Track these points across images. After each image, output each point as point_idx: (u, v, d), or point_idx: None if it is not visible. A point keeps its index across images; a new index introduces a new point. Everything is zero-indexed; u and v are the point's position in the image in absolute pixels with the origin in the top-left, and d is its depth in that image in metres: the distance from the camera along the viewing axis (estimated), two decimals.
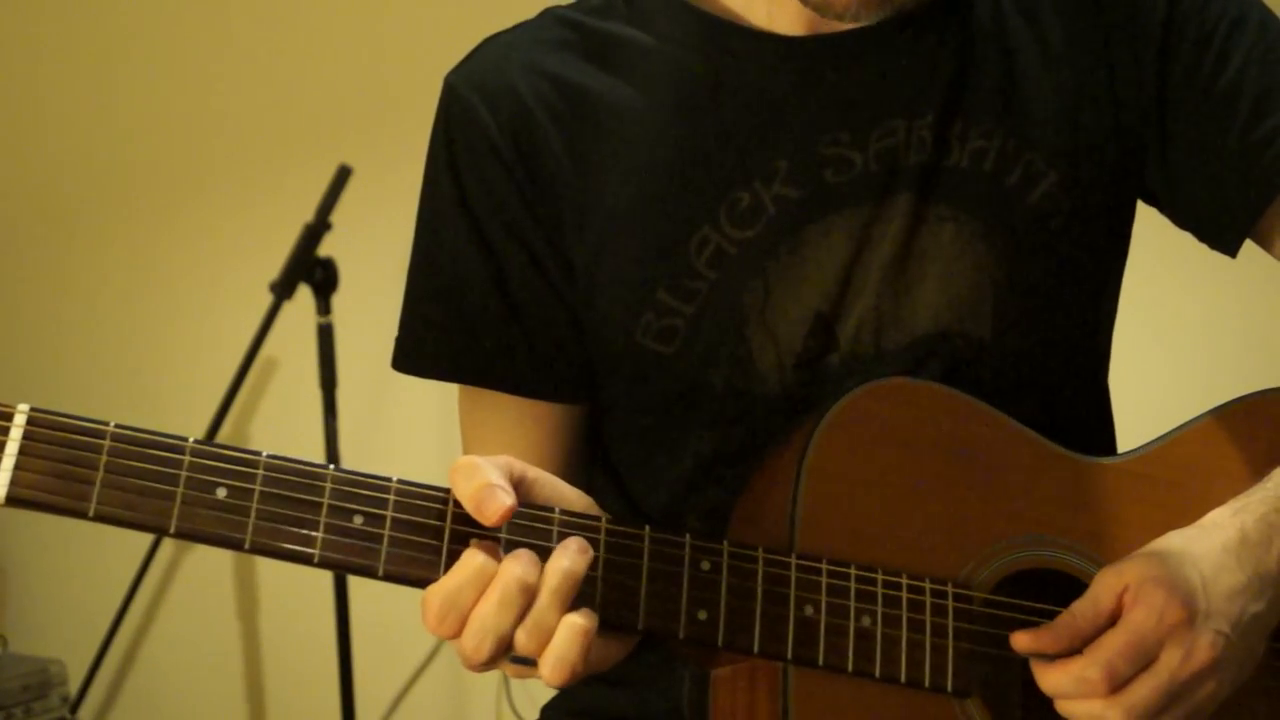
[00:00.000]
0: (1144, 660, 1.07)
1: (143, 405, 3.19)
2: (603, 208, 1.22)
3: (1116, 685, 1.06)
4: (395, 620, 2.79)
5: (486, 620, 1.00)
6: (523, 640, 1.01)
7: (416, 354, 1.28)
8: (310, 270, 2.80)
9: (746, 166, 1.21)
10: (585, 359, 1.27)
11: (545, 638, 1.01)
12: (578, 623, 1.01)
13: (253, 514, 1.00)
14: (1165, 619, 1.07)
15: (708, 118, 1.22)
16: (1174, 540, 1.12)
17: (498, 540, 1.03)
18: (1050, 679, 1.09)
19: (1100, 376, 1.35)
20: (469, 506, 1.01)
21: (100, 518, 0.98)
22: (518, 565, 1.01)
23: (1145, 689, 1.06)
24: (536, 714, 1.37)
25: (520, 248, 1.24)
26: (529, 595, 1.00)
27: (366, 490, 1.02)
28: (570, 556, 1.02)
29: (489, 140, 1.23)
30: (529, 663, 1.03)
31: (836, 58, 1.22)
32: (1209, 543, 1.11)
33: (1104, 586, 1.10)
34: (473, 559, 1.01)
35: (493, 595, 1.00)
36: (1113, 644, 1.07)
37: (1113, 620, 1.08)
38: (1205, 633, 1.07)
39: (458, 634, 1.01)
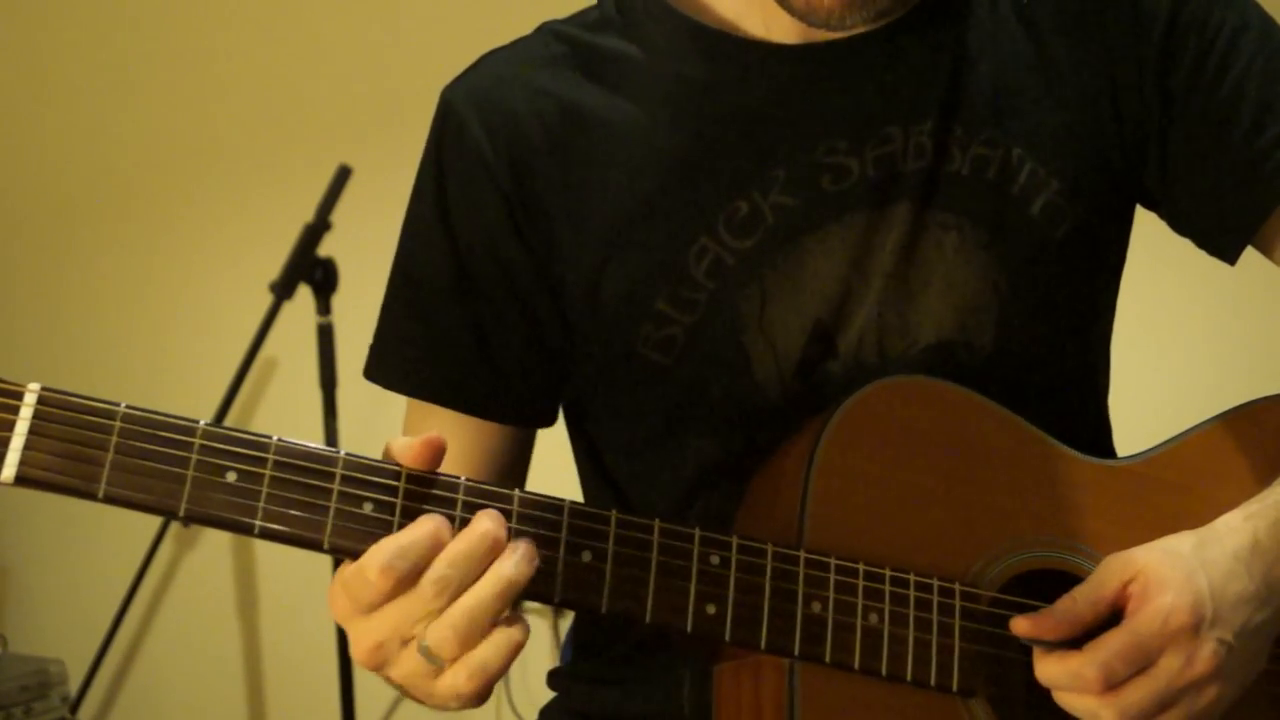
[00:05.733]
0: (1143, 663, 1.06)
1: (143, 405, 3.17)
2: (601, 222, 1.22)
3: (1112, 684, 1.05)
4: None
5: (456, 560, 0.98)
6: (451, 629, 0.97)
7: (384, 365, 1.28)
8: (310, 270, 2.80)
9: (744, 176, 1.21)
10: (549, 385, 1.27)
11: (473, 637, 0.98)
12: (513, 635, 0.99)
13: (263, 498, 0.99)
14: (1170, 623, 1.06)
15: (704, 128, 1.22)
16: (1185, 541, 1.11)
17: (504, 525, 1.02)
18: (1047, 670, 1.08)
19: (1099, 381, 1.34)
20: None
21: (110, 499, 0.97)
22: (489, 521, 1.00)
23: (1140, 691, 1.06)
24: (536, 714, 1.37)
25: (500, 270, 1.24)
26: (495, 552, 0.99)
27: (377, 477, 1.01)
28: (515, 564, 1.00)
29: (482, 161, 1.23)
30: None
31: (832, 65, 1.22)
32: (1220, 548, 1.11)
33: (1109, 573, 1.09)
34: (430, 519, 0.99)
35: (459, 545, 0.98)
36: (1113, 644, 1.06)
37: (1113, 608, 1.08)
38: (1208, 641, 1.06)
39: (398, 590, 0.98)
